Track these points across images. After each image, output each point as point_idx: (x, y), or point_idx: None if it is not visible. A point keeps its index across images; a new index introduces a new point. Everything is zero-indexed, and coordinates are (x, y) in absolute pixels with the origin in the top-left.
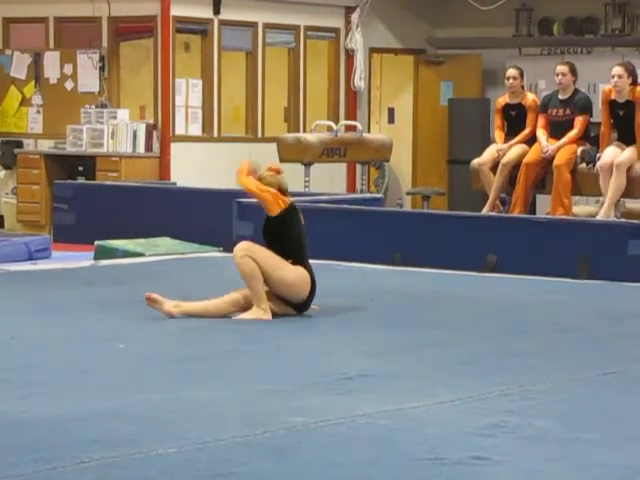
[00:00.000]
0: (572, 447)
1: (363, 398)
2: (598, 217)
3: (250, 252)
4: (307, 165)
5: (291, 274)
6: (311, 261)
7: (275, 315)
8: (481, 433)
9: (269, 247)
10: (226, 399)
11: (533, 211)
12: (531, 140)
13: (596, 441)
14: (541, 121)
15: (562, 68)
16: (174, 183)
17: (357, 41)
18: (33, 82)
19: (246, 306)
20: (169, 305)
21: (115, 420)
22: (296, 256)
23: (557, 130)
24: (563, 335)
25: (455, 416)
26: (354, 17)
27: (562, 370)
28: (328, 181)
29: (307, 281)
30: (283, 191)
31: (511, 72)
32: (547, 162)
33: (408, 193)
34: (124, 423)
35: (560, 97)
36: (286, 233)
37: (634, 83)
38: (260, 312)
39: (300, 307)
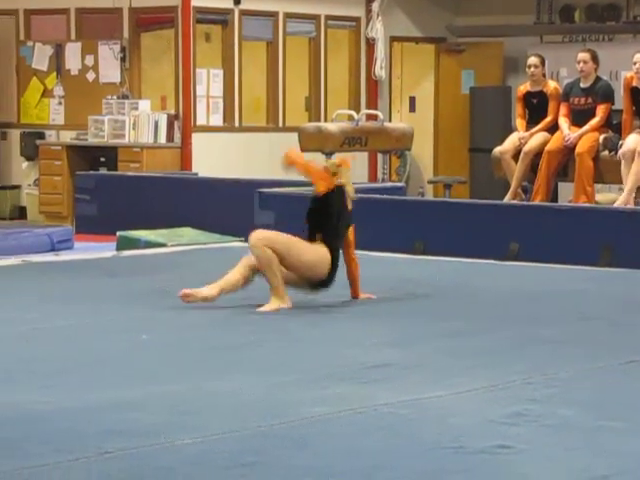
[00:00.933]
0: (595, 435)
1: (384, 388)
2: (617, 204)
3: (267, 241)
4: (328, 155)
5: (311, 256)
6: None
7: (296, 286)
8: (504, 422)
9: (310, 229)
10: (247, 389)
11: (555, 199)
12: (553, 128)
13: (620, 429)
14: (563, 109)
15: (583, 55)
16: (196, 173)
17: (378, 30)
18: (55, 73)
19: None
20: (206, 291)
21: (137, 410)
22: (329, 238)
23: (579, 118)
24: (586, 323)
25: (478, 405)
26: (375, 6)
27: (585, 358)
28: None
29: (327, 261)
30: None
31: (532, 60)
32: (569, 150)
33: (430, 182)
34: (146, 413)
35: (582, 85)
36: (326, 214)
37: None
38: (278, 302)
39: (317, 285)
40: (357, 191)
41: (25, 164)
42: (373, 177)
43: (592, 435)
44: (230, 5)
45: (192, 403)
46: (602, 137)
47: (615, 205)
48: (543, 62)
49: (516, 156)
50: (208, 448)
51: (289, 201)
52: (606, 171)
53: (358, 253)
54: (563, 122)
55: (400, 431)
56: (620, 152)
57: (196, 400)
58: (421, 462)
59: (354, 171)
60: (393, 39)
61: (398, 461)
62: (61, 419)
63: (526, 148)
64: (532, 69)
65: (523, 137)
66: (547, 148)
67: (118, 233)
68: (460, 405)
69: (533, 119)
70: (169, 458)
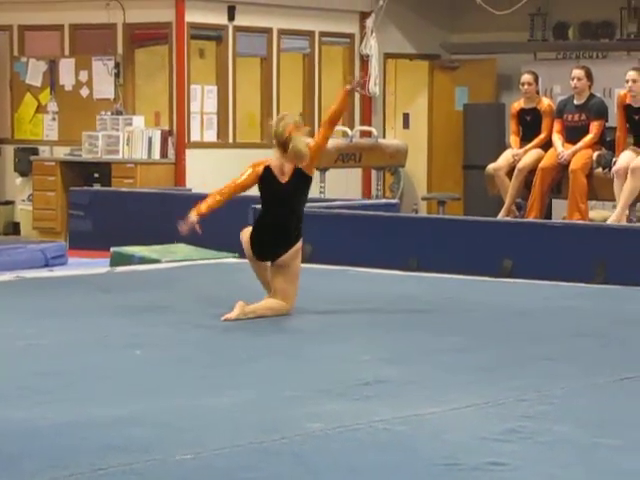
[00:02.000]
0: (590, 452)
1: (380, 404)
2: (609, 221)
3: None
4: (322, 171)
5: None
6: (326, 266)
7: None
8: (498, 438)
9: (287, 214)
10: (243, 405)
11: (549, 216)
12: (547, 145)
13: (614, 446)
14: (557, 126)
15: (578, 72)
16: (189, 189)
17: (372, 46)
18: (48, 89)
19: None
20: (240, 309)
21: (132, 426)
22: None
23: (573, 135)
24: (580, 340)
25: (472, 422)
26: (369, 22)
27: (579, 375)
28: (343, 187)
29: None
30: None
31: (525, 77)
32: (563, 167)
33: (423, 198)
34: (141, 429)
35: (575, 102)
36: (306, 196)
37: None
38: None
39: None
40: (351, 207)
41: (19, 180)
42: (367, 193)
43: (587, 452)
44: (224, 21)
45: (188, 419)
46: (596, 154)
47: (608, 222)
48: (536, 79)
49: (510, 173)
50: (204, 464)
51: None
52: (600, 188)
53: (351, 270)
54: (557, 139)
55: (395, 447)
56: (613, 169)
57: (192, 416)
58: (416, 478)
59: (348, 187)
60: (387, 56)
61: (393, 477)
62: (56, 435)
63: (520, 165)
64: (525, 86)
65: (517, 154)
66: (541, 165)
67: (112, 249)
68: (455, 422)
69: (527, 136)
70: (164, 474)
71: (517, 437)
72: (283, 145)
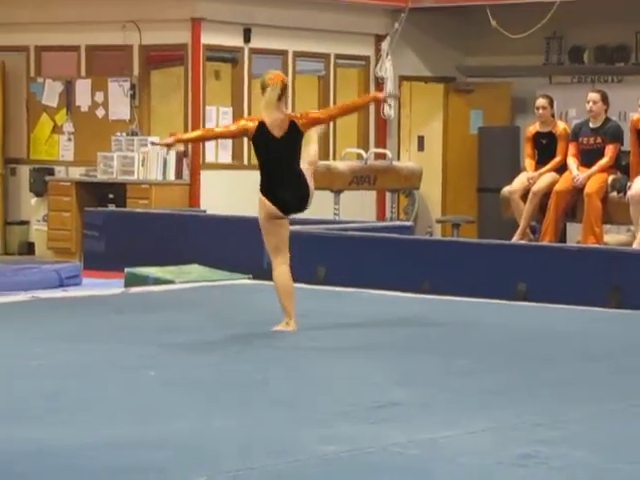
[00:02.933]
0: (604, 477)
1: (394, 427)
2: (634, 246)
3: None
4: (337, 193)
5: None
6: (339, 288)
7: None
8: (514, 463)
9: (290, 166)
10: (257, 427)
11: (563, 239)
12: (561, 168)
13: (628, 472)
14: (572, 149)
15: (594, 96)
16: (204, 210)
17: (387, 69)
18: (64, 110)
19: None
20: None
21: (145, 448)
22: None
23: (588, 158)
24: (594, 364)
25: (487, 446)
26: (384, 45)
27: (594, 400)
28: (358, 209)
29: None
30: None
31: (540, 102)
32: (578, 190)
33: (438, 221)
34: (154, 451)
35: (591, 125)
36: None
37: None
38: (284, 325)
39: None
40: (365, 229)
41: (34, 200)
42: (381, 216)
43: (601, 477)
44: (240, 43)
45: (201, 441)
46: (610, 178)
47: (634, 246)
48: (552, 103)
49: (525, 196)
50: None
51: (297, 239)
52: (614, 212)
53: (365, 292)
54: (572, 162)
55: (410, 471)
56: (628, 194)
57: (205, 438)
58: None
59: (363, 209)
60: (402, 78)
61: None
62: (66, 455)
63: (535, 188)
64: (540, 110)
65: (532, 177)
66: (556, 188)
67: (126, 270)
68: (469, 446)
69: (542, 159)
70: None
71: (532, 462)
72: (264, 90)
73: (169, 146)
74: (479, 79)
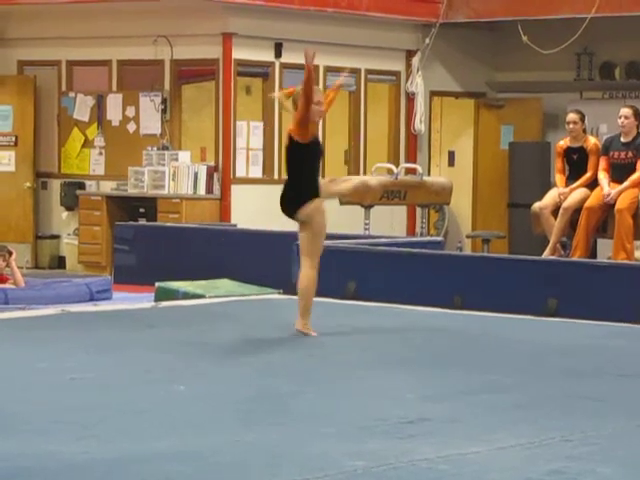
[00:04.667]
0: None
1: (423, 442)
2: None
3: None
4: (367, 208)
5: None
6: (370, 303)
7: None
8: (543, 479)
9: (292, 174)
10: (285, 442)
11: (594, 255)
12: (592, 184)
13: None
14: (603, 164)
15: (626, 111)
16: (234, 225)
17: (418, 84)
18: (96, 124)
19: None
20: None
21: (174, 462)
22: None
23: (619, 173)
24: (625, 380)
25: (516, 461)
26: (415, 61)
27: (624, 416)
28: (388, 224)
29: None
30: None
31: (571, 117)
32: (608, 206)
33: (468, 236)
34: (183, 465)
35: (622, 140)
36: (300, 161)
37: None
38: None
39: None
40: (396, 244)
41: (65, 214)
42: (411, 231)
43: None
44: (271, 58)
45: (229, 455)
46: None
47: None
48: (583, 118)
49: (555, 212)
50: None
51: (328, 254)
52: None
53: (395, 307)
54: (603, 177)
55: None
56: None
57: (232, 452)
58: None
59: (393, 224)
60: (433, 93)
61: None
62: (97, 470)
63: (565, 204)
64: (571, 125)
65: (563, 193)
66: (586, 204)
67: (157, 284)
68: (499, 461)
69: (573, 175)
70: None
71: (562, 478)
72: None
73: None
74: (510, 94)
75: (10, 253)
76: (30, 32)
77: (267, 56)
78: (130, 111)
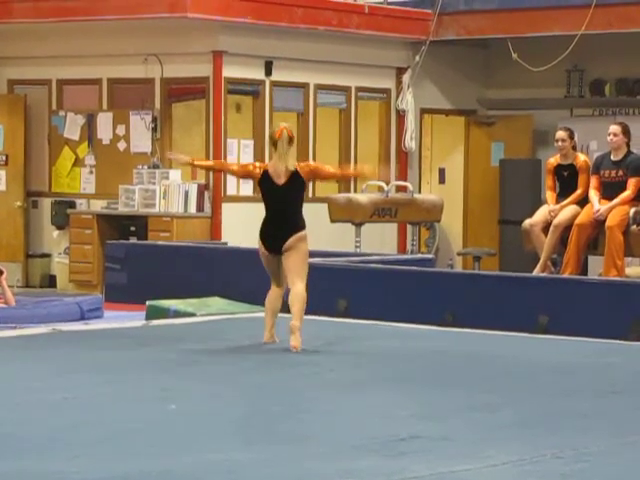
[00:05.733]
0: None
1: (415, 460)
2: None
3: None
4: (358, 225)
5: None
6: (360, 321)
7: None
8: None
9: (285, 210)
10: (276, 460)
11: (585, 272)
12: (583, 201)
13: None
14: (593, 182)
15: (615, 128)
16: (225, 243)
17: (408, 102)
18: (86, 143)
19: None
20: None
21: None
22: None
23: (609, 191)
24: (616, 397)
25: (508, 479)
26: (405, 78)
27: (616, 433)
28: (379, 241)
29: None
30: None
31: (560, 134)
32: (599, 223)
33: (459, 254)
34: None
35: (612, 158)
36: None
37: None
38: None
39: None
40: (386, 262)
41: (56, 233)
42: (402, 248)
43: None
44: (261, 76)
45: (220, 474)
46: (632, 211)
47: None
48: (571, 135)
49: (546, 229)
50: None
51: (318, 272)
52: (636, 245)
53: (386, 324)
54: (593, 195)
55: None
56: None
57: (224, 471)
58: None
59: (384, 242)
60: (423, 111)
61: None
62: None
63: (556, 221)
64: (560, 143)
65: (553, 210)
66: (577, 221)
67: (147, 302)
68: (491, 479)
69: (563, 192)
70: None
71: None
72: (274, 144)
73: (185, 164)
74: (500, 112)
75: (1, 272)
76: (20, 51)
77: (257, 74)
78: (120, 129)
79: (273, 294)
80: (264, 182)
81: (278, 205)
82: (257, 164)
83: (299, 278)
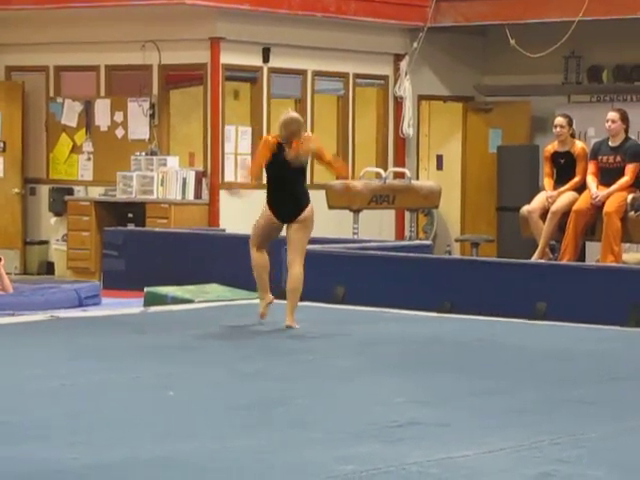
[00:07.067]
0: None
1: (413, 446)
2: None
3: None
4: (356, 212)
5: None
6: (359, 308)
7: None
8: None
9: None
10: (275, 447)
11: (583, 258)
12: (580, 188)
13: None
14: (591, 168)
15: (613, 115)
16: (223, 230)
17: (406, 88)
18: (84, 129)
19: None
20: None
21: (164, 468)
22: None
23: (607, 177)
24: (614, 383)
25: (506, 465)
26: (403, 65)
27: (613, 418)
28: (377, 228)
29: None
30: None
31: (558, 120)
32: (597, 209)
33: (457, 240)
34: (173, 471)
35: (610, 144)
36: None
37: None
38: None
39: None
40: (384, 249)
41: (53, 219)
42: (400, 235)
43: None
44: (259, 63)
45: (218, 461)
46: (630, 197)
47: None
48: (570, 122)
49: (544, 215)
50: None
51: (316, 257)
52: (633, 231)
53: (384, 311)
54: (591, 180)
55: None
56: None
57: (222, 458)
58: None
59: (382, 228)
60: (421, 97)
61: None
62: (87, 476)
63: (554, 207)
64: (558, 129)
65: (551, 196)
66: (575, 208)
67: (145, 289)
68: (489, 465)
69: (561, 179)
70: None
71: None
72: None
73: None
74: (498, 98)
75: None
76: (18, 38)
77: (255, 61)
78: (118, 116)
79: (261, 256)
80: (278, 153)
81: (290, 175)
82: (270, 137)
83: (299, 257)
